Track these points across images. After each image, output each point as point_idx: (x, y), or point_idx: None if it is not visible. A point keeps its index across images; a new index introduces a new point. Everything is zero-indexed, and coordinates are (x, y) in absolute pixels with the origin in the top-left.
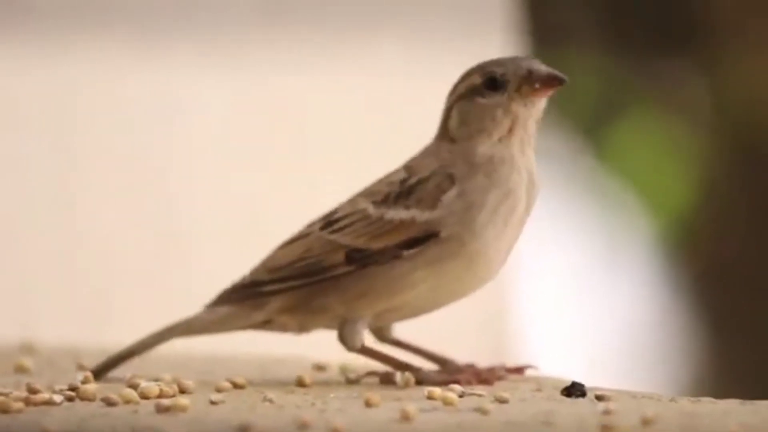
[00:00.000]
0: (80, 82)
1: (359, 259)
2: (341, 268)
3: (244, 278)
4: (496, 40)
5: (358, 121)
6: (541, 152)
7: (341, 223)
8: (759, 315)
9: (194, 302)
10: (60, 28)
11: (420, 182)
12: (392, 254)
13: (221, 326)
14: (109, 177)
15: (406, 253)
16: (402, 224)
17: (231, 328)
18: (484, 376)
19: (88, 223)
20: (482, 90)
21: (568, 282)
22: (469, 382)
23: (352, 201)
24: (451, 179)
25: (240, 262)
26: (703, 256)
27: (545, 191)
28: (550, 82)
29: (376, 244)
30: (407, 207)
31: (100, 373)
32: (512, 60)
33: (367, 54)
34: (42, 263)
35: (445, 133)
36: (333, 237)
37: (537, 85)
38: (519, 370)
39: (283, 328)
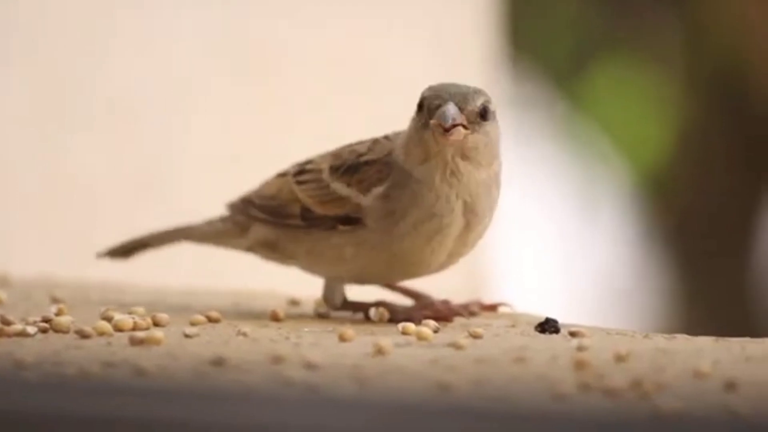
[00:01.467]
0: (59, 22)
1: (309, 219)
2: (296, 220)
3: (245, 193)
4: None
5: (331, 66)
6: (517, 101)
7: (305, 177)
8: (730, 260)
9: None
10: None
11: (368, 163)
12: (330, 224)
13: (214, 240)
14: (88, 114)
15: (340, 227)
16: (341, 199)
17: (223, 244)
18: (443, 313)
19: (66, 159)
20: (420, 111)
21: (545, 227)
22: (420, 318)
23: (323, 156)
24: (388, 173)
25: (217, 201)
26: (678, 202)
27: (522, 137)
28: (437, 126)
29: (320, 210)
30: (348, 184)
31: (110, 254)
32: (440, 89)
33: (343, 6)
34: (20, 197)
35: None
36: (296, 188)
37: (433, 123)
38: (493, 307)
39: (267, 258)
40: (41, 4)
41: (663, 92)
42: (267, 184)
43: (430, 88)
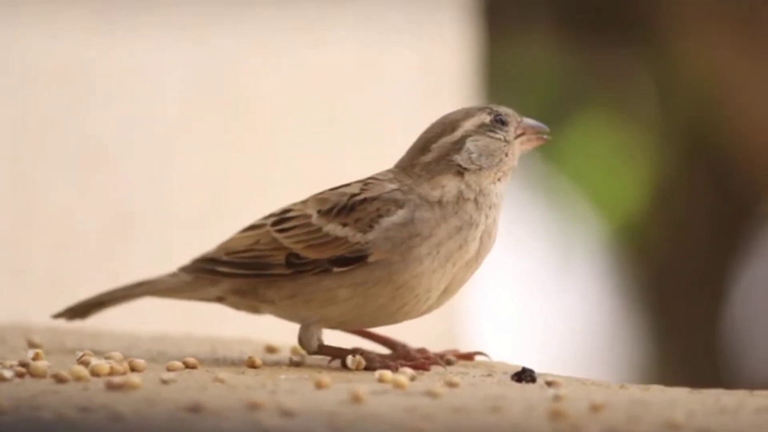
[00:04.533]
0: (39, 60)
1: (296, 265)
2: (279, 269)
3: (209, 251)
4: (449, 27)
5: (316, 101)
6: None
7: (289, 224)
8: (704, 313)
9: None
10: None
11: (364, 201)
12: (323, 267)
13: (180, 293)
14: (63, 155)
15: (335, 269)
16: (336, 240)
17: (189, 296)
18: (420, 362)
19: (40, 200)
20: (493, 126)
21: (521, 278)
22: (396, 368)
23: (305, 202)
24: (398, 205)
25: (193, 244)
26: (652, 255)
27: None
28: (539, 133)
29: (311, 254)
30: (344, 224)
31: (66, 314)
32: (501, 108)
33: (325, 35)
34: None
35: (443, 167)
36: (278, 236)
37: (529, 137)
38: (469, 356)
39: (236, 307)
40: (22, 41)
41: (637, 146)
42: (234, 240)
43: (496, 107)
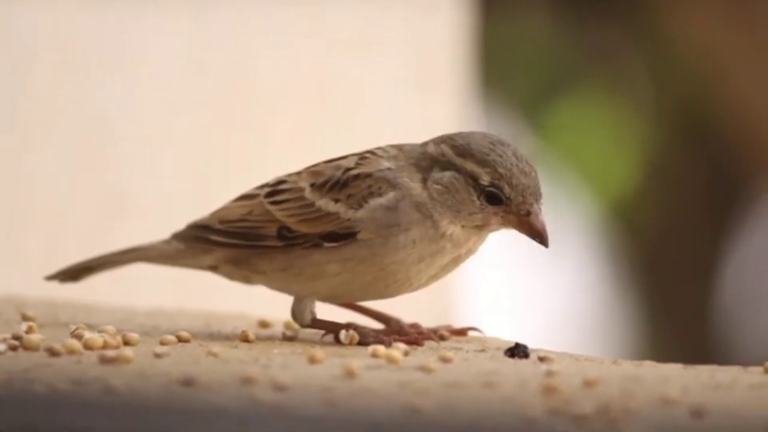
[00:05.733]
0: (30, 39)
1: (288, 238)
2: (271, 241)
3: (202, 219)
4: (444, 3)
5: (310, 78)
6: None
7: (282, 197)
8: (696, 289)
9: None
10: None
11: (358, 177)
12: (314, 242)
13: (173, 261)
14: (58, 132)
15: (326, 244)
16: (327, 216)
17: (182, 264)
18: (414, 337)
19: (35, 177)
20: (481, 190)
21: (514, 256)
22: (390, 343)
23: (299, 174)
24: (389, 186)
25: (181, 224)
26: (644, 232)
27: None
28: (533, 235)
29: (303, 228)
30: (336, 200)
31: (59, 276)
32: (522, 183)
33: (320, 11)
34: None
35: (426, 166)
36: (271, 208)
37: (522, 227)
38: (462, 331)
39: (230, 277)
40: (18, 18)
41: (630, 124)
42: (228, 209)
43: (509, 176)
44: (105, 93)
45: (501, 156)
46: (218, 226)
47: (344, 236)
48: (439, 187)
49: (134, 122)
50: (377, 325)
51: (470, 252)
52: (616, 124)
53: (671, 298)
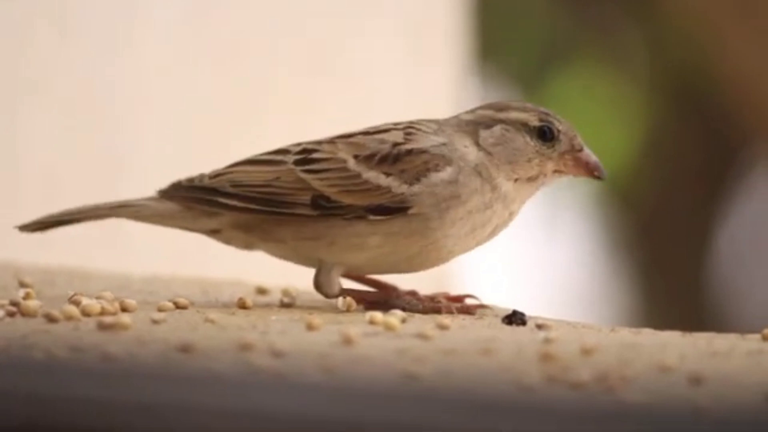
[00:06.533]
0: (22, 5)
1: (325, 207)
2: (304, 209)
3: (202, 179)
4: None
5: (304, 44)
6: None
7: (317, 166)
8: (691, 260)
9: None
10: None
11: (411, 153)
12: (357, 214)
13: (168, 221)
14: (51, 97)
15: (371, 217)
16: (377, 189)
17: (177, 225)
18: (466, 307)
19: (30, 140)
20: (533, 132)
21: (511, 228)
22: (449, 311)
23: (333, 144)
24: (446, 162)
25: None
26: (641, 205)
27: None
28: (590, 169)
29: (346, 199)
30: (387, 174)
31: (40, 224)
32: (570, 126)
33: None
34: None
35: (472, 130)
36: (305, 176)
37: (578, 165)
38: (459, 298)
39: (228, 242)
40: None
41: (627, 97)
42: (245, 173)
43: (557, 119)
44: (100, 56)
45: (537, 106)
46: (231, 190)
47: (394, 210)
48: (492, 140)
49: (129, 85)
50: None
51: (512, 216)
52: (613, 95)
53: (669, 266)
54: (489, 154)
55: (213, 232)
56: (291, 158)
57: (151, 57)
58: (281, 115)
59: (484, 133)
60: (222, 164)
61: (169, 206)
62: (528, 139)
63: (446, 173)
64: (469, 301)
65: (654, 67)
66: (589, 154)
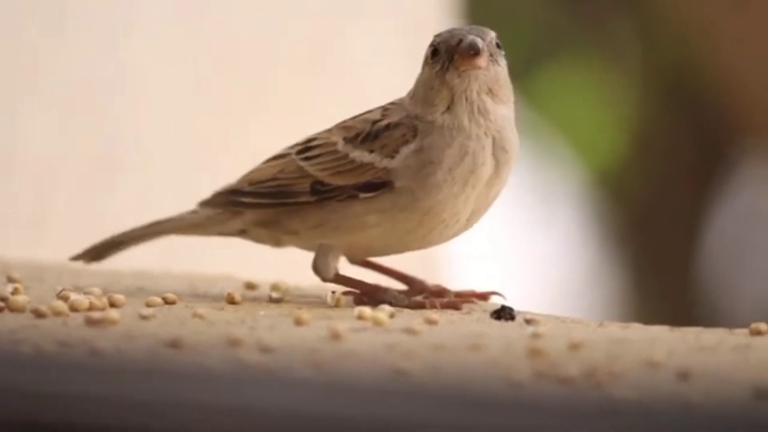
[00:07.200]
0: (23, 1)
1: (321, 192)
2: (304, 196)
3: (231, 184)
4: None
5: (297, 41)
6: None
7: (313, 152)
8: (681, 255)
9: (128, 221)
10: None
11: (388, 127)
12: (349, 194)
13: (203, 228)
14: (45, 94)
15: (362, 195)
16: (362, 166)
17: (211, 231)
18: (452, 302)
19: (22, 139)
20: (428, 61)
21: (501, 221)
22: (434, 306)
23: (329, 131)
24: (414, 132)
25: (176, 184)
26: (631, 200)
27: None
28: (466, 51)
29: (337, 181)
30: (370, 150)
31: (84, 257)
32: (452, 30)
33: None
34: None
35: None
36: (304, 164)
37: (459, 56)
38: (484, 295)
39: (259, 240)
40: None
41: (618, 91)
42: (258, 171)
43: (440, 34)
44: (97, 55)
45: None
46: (248, 188)
47: (380, 185)
48: (412, 89)
49: (125, 85)
50: (401, 286)
51: (511, 152)
52: (604, 90)
53: (658, 261)
54: (413, 103)
55: (241, 233)
56: (295, 149)
57: (149, 56)
58: (280, 115)
59: (410, 91)
60: (220, 164)
61: (202, 214)
62: (427, 69)
63: (414, 143)
64: (497, 299)
65: (646, 62)
66: (464, 44)
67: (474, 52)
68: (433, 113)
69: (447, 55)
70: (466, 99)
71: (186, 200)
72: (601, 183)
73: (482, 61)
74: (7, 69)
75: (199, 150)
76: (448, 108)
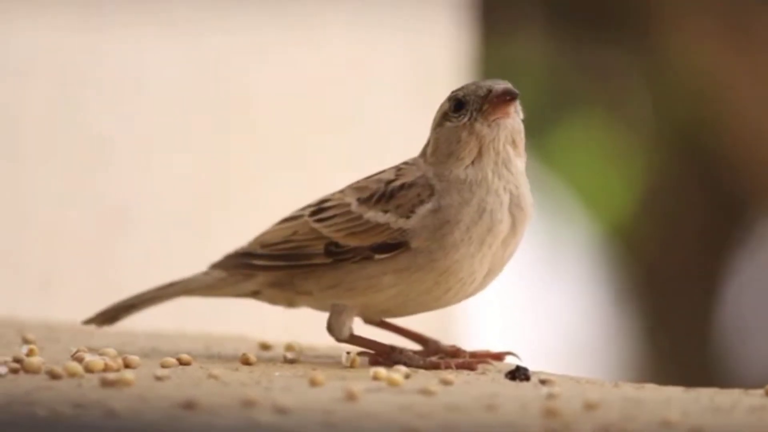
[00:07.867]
0: (37, 53)
1: (336, 253)
2: (319, 258)
3: (242, 246)
4: (442, 25)
5: (308, 99)
6: None
7: (327, 213)
8: (696, 313)
9: (137, 279)
10: None
11: (403, 187)
12: (364, 255)
13: (215, 290)
14: (55, 151)
15: (377, 256)
16: (377, 227)
17: (224, 293)
18: (467, 362)
19: (33, 196)
20: (450, 114)
21: (513, 278)
22: (449, 366)
23: (343, 192)
24: (431, 191)
25: (188, 239)
26: (644, 256)
27: None
28: (502, 97)
29: (352, 242)
30: (385, 211)
31: (97, 320)
32: (476, 83)
33: (318, 32)
34: None
35: (424, 147)
36: (317, 226)
37: (491, 104)
38: (500, 356)
39: (272, 301)
40: (16, 37)
41: (629, 145)
42: (271, 233)
43: (462, 88)
44: (103, 111)
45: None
46: (260, 251)
47: (396, 246)
48: (429, 148)
49: (133, 140)
50: (415, 347)
51: (526, 209)
52: (615, 145)
53: (672, 319)
54: (434, 160)
55: (254, 294)
56: (308, 211)
57: (154, 111)
58: (286, 168)
59: (428, 150)
60: (227, 216)
61: (214, 275)
62: (450, 123)
63: (430, 203)
64: (512, 359)
65: (657, 117)
66: (496, 88)
67: (510, 97)
68: (459, 167)
69: (475, 106)
70: (494, 149)
71: (195, 258)
72: (613, 240)
73: (514, 107)
74: (13, 128)
75: (207, 209)
76: (473, 161)
